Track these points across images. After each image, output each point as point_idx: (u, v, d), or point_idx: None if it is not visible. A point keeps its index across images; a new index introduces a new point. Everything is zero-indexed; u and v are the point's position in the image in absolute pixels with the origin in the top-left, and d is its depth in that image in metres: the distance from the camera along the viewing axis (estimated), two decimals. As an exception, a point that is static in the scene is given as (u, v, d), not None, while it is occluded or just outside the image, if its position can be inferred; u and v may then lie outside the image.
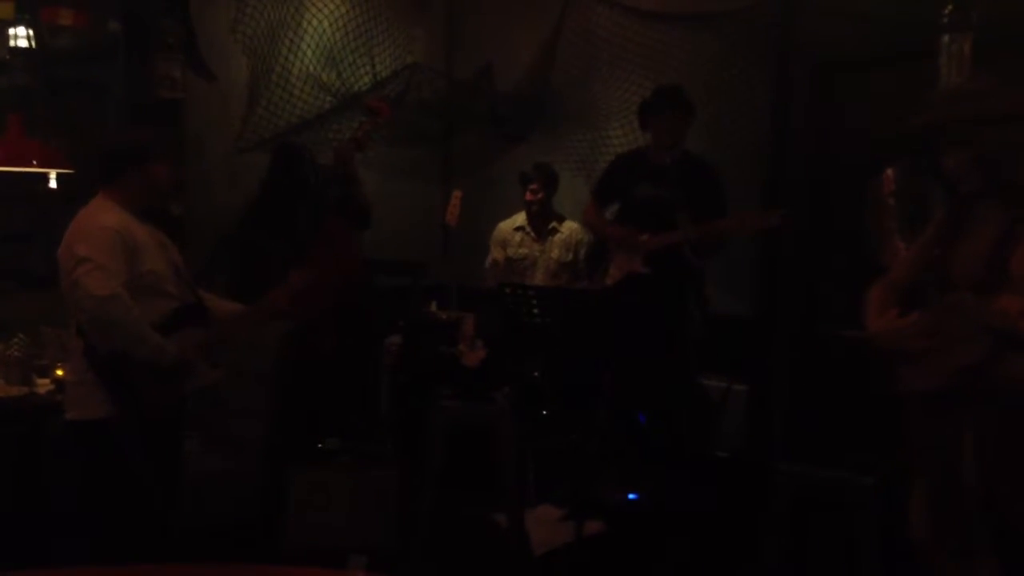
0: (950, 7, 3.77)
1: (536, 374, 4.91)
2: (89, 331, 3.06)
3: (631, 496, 4.51)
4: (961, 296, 2.69)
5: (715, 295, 4.76)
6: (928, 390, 2.78)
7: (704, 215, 4.44)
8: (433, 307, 5.27)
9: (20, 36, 4.50)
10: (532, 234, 5.48)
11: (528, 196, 5.40)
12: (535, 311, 4.24)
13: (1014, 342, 2.55)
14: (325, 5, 5.58)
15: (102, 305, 2.96)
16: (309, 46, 5.52)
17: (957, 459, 2.73)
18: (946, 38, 3.76)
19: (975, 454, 2.70)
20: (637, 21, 5.48)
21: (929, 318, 2.77)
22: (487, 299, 5.25)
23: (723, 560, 4.10)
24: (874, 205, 4.02)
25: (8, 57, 4.54)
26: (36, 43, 4.53)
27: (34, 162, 4.35)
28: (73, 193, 4.56)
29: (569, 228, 5.43)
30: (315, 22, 5.54)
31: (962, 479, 2.72)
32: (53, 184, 4.58)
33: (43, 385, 4.12)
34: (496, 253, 5.55)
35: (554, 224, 5.45)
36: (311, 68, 5.53)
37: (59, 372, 4.12)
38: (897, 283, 3.00)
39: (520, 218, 5.53)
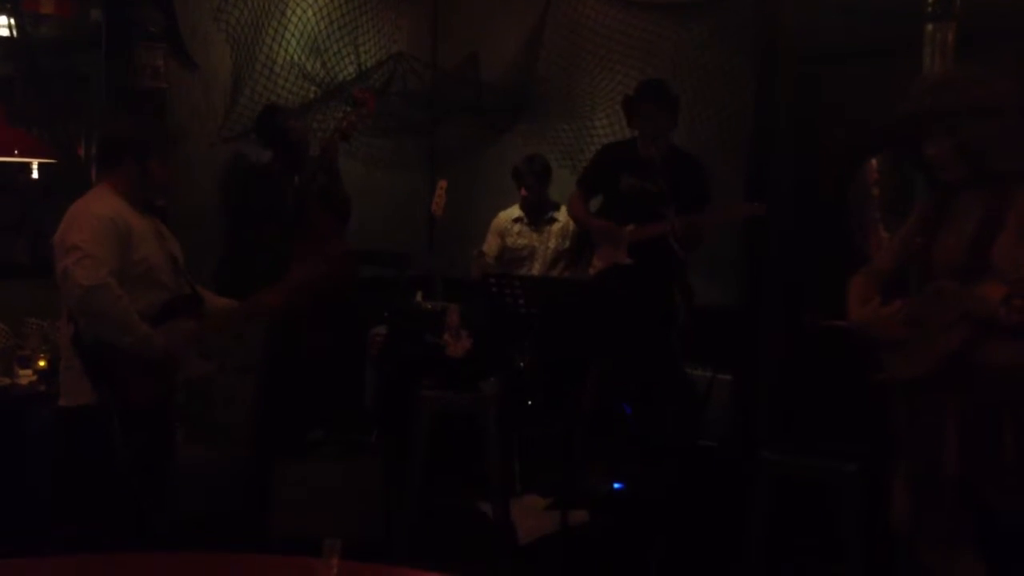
0: (933, -3, 3.78)
1: (521, 364, 4.92)
2: (77, 318, 3.06)
3: (616, 486, 4.53)
4: (943, 284, 2.70)
5: (700, 285, 4.77)
6: (910, 377, 2.79)
7: (687, 208, 4.45)
8: (419, 297, 5.26)
9: (1, 25, 4.46)
10: (530, 225, 5.48)
11: (523, 192, 5.40)
12: (520, 301, 4.24)
13: (995, 330, 2.56)
14: (309, -6, 5.56)
15: (89, 294, 2.95)
16: (293, 35, 5.49)
17: (938, 446, 2.74)
18: (930, 27, 3.77)
19: (956, 441, 2.71)
20: (622, 11, 5.48)
21: (911, 306, 2.78)
22: (473, 289, 5.26)
23: (707, 548, 4.11)
24: (858, 194, 4.04)
25: (-11, 46, 4.51)
26: (18, 32, 4.49)
27: (16, 152, 4.31)
28: (55, 183, 4.55)
29: (565, 215, 5.43)
30: (299, 11, 5.51)
31: (943, 466, 2.74)
32: (35, 174, 4.55)
33: (25, 376, 4.10)
34: (489, 243, 5.54)
35: (552, 213, 5.45)
36: (295, 57, 5.50)
37: (41, 363, 4.11)
38: (880, 271, 3.02)
39: (518, 209, 5.53)
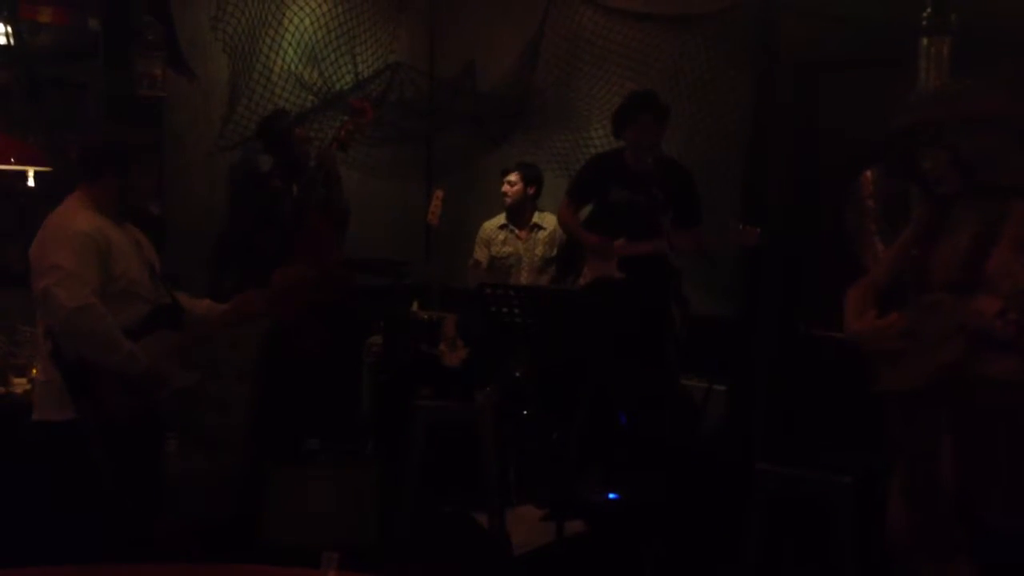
0: (929, 10, 3.80)
1: (517, 374, 4.92)
2: (58, 336, 3.02)
3: (612, 496, 4.52)
4: (938, 297, 2.71)
5: (697, 296, 4.78)
6: (906, 390, 2.79)
7: (678, 219, 4.46)
8: (415, 307, 5.27)
9: (-1, 33, 4.48)
10: (516, 232, 5.47)
11: (504, 187, 5.41)
12: (516, 311, 4.24)
13: (990, 342, 2.56)
14: (307, 3, 5.56)
15: (74, 316, 2.92)
16: (291, 44, 5.50)
17: (934, 459, 2.74)
18: (925, 41, 3.79)
19: (952, 454, 2.71)
20: (619, 22, 5.50)
21: (907, 318, 2.78)
22: (469, 299, 5.26)
23: (703, 559, 4.11)
24: (854, 206, 4.05)
25: (-14, 54, 4.51)
26: (15, 40, 4.49)
27: (12, 160, 4.31)
28: (51, 191, 4.54)
29: (552, 222, 5.43)
30: (296, 20, 5.52)
31: (939, 479, 2.74)
32: (31, 182, 4.55)
33: (19, 384, 4.08)
34: (480, 253, 5.54)
35: (537, 220, 5.45)
36: (293, 67, 5.51)
37: (36, 371, 4.09)
38: (876, 284, 3.01)
39: (504, 216, 5.53)
